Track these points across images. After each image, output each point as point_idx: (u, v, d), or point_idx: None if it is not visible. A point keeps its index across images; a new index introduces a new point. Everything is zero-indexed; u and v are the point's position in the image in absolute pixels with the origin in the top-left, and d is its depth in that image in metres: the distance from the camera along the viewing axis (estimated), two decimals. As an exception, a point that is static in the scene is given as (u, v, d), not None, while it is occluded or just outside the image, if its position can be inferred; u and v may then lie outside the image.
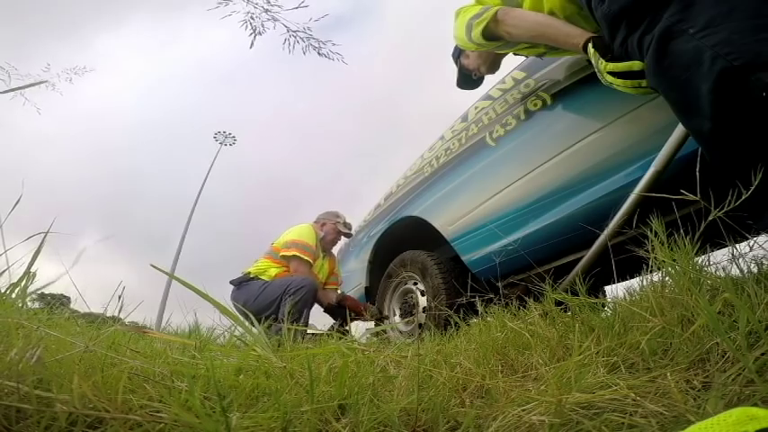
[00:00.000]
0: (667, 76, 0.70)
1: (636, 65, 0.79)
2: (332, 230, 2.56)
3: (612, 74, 0.84)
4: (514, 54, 1.34)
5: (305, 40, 2.81)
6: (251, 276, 2.34)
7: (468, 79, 1.50)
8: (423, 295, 1.95)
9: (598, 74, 0.89)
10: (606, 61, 0.84)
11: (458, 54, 1.48)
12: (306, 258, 2.31)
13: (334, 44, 2.91)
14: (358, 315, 2.31)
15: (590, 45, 0.89)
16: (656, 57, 0.71)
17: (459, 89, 1.59)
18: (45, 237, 0.60)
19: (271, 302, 2.19)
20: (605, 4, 0.81)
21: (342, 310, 2.38)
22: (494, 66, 1.42)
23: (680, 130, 0.91)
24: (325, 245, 2.56)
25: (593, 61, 0.89)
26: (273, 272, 2.34)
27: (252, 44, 2.69)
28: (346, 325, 2.32)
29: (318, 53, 2.87)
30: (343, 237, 2.65)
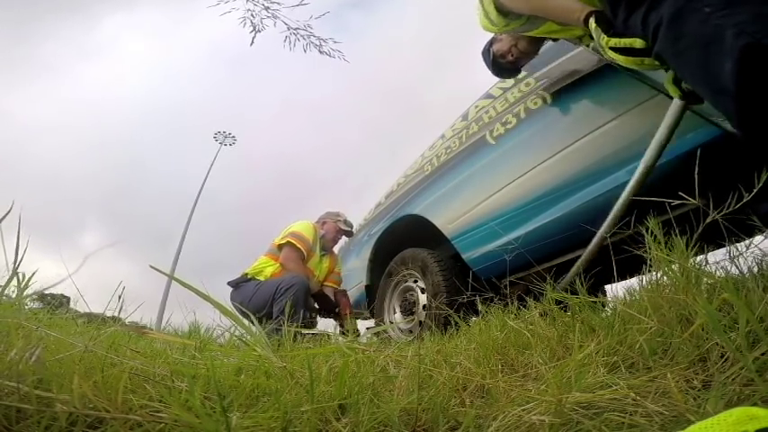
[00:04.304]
0: (686, 58, 0.68)
1: (637, 42, 0.78)
2: (332, 229, 2.57)
3: (614, 49, 0.83)
4: (547, 38, 1.26)
5: (305, 37, 2.77)
6: (248, 277, 2.36)
7: (502, 67, 1.40)
8: (423, 293, 1.96)
9: (600, 49, 0.88)
10: (608, 36, 0.83)
11: (489, 45, 1.40)
12: (297, 246, 2.32)
13: (335, 41, 2.86)
14: (335, 312, 2.40)
15: (591, 19, 0.88)
16: (670, 40, 0.69)
17: (495, 77, 1.50)
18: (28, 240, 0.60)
19: (263, 303, 2.21)
20: None
21: (329, 304, 2.44)
22: (528, 50, 1.31)
23: (665, 125, 0.91)
24: (326, 243, 2.57)
25: (594, 36, 0.88)
26: (269, 270, 2.35)
27: (252, 42, 2.66)
28: (337, 318, 2.39)
29: (319, 51, 2.83)
30: (344, 235, 2.66)
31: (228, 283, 2.41)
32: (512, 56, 1.33)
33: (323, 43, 2.79)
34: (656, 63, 0.79)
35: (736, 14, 0.61)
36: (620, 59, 0.83)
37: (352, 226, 2.66)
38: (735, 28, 0.60)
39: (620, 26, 0.82)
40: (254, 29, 2.60)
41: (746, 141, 0.64)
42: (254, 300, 2.23)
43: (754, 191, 0.60)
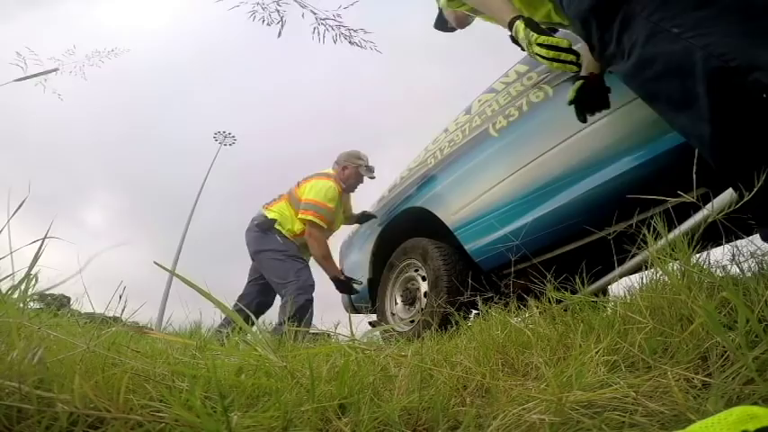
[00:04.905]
0: (662, 83, 0.68)
1: (564, 42, 0.87)
2: (353, 174, 2.51)
3: (541, 45, 0.90)
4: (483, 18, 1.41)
5: (334, 28, 2.61)
6: (275, 225, 2.39)
7: (444, 25, 1.57)
8: (424, 281, 1.98)
9: (526, 48, 0.95)
10: (538, 34, 0.90)
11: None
12: (320, 224, 2.33)
13: (366, 32, 2.65)
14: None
15: (519, 22, 0.95)
16: (644, 62, 0.69)
17: (435, 29, 1.67)
18: (45, 239, 0.60)
19: (275, 273, 2.29)
20: (575, 2, 0.82)
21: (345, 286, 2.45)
22: (462, 23, 1.49)
23: None
24: (346, 189, 2.53)
25: (520, 36, 0.94)
26: (298, 227, 2.39)
27: (279, 33, 2.52)
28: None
29: (350, 42, 2.65)
30: (365, 178, 2.59)
31: (254, 221, 2.45)
32: (450, 23, 1.52)
33: (353, 34, 2.62)
34: (574, 67, 0.90)
35: (706, 35, 0.61)
36: (543, 52, 0.90)
37: (373, 170, 2.57)
38: (704, 50, 0.59)
39: (597, 44, 0.83)
40: (266, 21, 2.47)
41: (719, 170, 0.64)
42: (271, 264, 2.32)
43: (739, 204, 0.59)
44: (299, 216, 2.36)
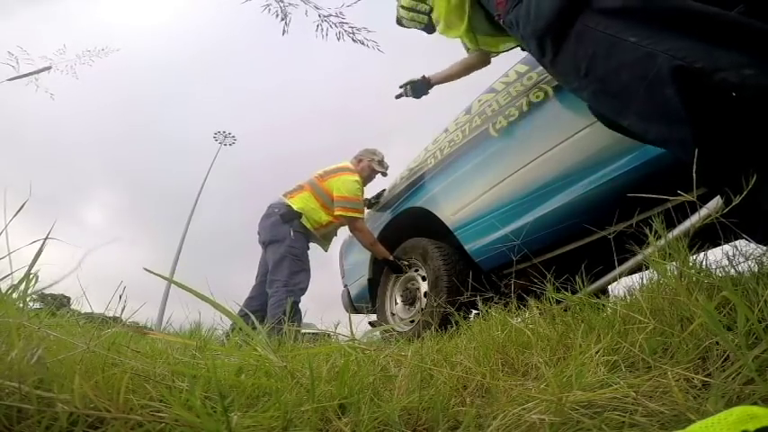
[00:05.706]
0: (625, 95, 0.68)
1: (424, 7, 1.23)
2: (367, 167, 2.62)
3: (403, 7, 1.26)
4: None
5: (337, 25, 2.63)
6: (300, 217, 2.41)
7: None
8: (424, 281, 1.99)
9: (397, 9, 1.33)
10: None
11: None
12: (360, 216, 2.43)
13: (369, 31, 2.68)
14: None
15: None
16: (608, 77, 0.69)
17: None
18: (46, 239, 0.60)
19: (272, 267, 2.32)
20: (531, 22, 0.82)
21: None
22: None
23: None
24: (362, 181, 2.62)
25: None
26: (324, 218, 2.44)
27: (284, 31, 2.54)
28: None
29: (353, 40, 2.68)
30: (378, 174, 2.68)
31: (274, 208, 2.46)
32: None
33: (356, 31, 2.65)
34: (424, 17, 1.30)
35: (664, 42, 0.62)
36: (403, 14, 1.26)
37: (387, 166, 2.69)
38: (666, 54, 0.61)
39: (549, 66, 0.84)
40: (280, 16, 2.48)
41: (708, 172, 0.63)
42: (274, 259, 2.33)
43: (732, 205, 0.59)
44: (338, 213, 2.41)
